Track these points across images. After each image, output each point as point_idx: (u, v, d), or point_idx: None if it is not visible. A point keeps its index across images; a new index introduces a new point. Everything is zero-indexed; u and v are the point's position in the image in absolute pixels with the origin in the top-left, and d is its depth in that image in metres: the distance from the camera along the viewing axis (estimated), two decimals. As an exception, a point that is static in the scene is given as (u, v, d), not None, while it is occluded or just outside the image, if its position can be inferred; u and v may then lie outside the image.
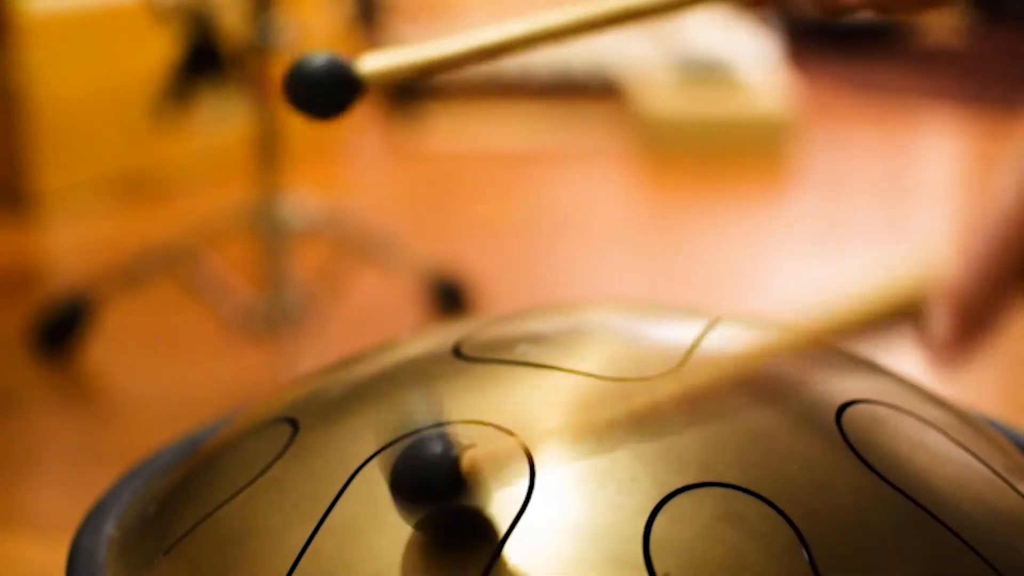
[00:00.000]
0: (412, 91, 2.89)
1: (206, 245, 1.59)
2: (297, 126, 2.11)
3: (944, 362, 0.33)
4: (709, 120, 2.57)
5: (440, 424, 0.39)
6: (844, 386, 0.47)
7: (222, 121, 2.26)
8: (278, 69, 1.60)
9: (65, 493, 1.18)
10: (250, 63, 1.55)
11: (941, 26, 3.90)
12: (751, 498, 0.40)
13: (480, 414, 0.44)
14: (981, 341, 0.33)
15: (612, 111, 2.79)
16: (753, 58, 2.82)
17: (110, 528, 0.48)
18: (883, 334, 0.35)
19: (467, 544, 0.39)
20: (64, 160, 2.10)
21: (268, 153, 1.55)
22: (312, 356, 1.48)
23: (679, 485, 0.40)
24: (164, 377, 1.44)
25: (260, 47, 1.52)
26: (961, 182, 2.61)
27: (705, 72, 2.71)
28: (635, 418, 0.40)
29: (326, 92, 0.51)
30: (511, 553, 0.39)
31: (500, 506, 0.40)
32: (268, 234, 1.52)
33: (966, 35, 3.89)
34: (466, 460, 0.38)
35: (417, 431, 0.39)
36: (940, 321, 0.33)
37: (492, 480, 0.38)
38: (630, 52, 2.93)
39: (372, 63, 0.51)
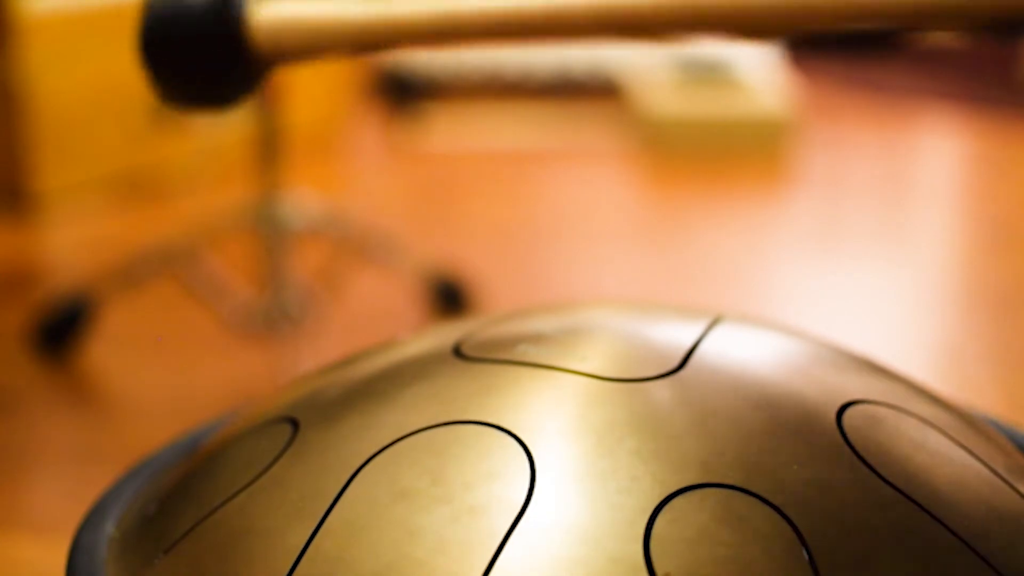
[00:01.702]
0: (412, 91, 2.89)
1: (206, 245, 1.59)
2: (297, 126, 2.11)
3: None
4: (709, 120, 2.57)
5: None
6: (845, 386, 0.47)
7: (222, 121, 2.26)
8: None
9: (65, 493, 1.18)
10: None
11: (941, 26, 3.90)
12: (751, 498, 0.40)
13: (480, 414, 0.44)
14: None
15: (612, 111, 2.79)
16: (753, 58, 2.82)
17: (110, 528, 0.48)
18: None
19: (468, 544, 0.39)
20: (64, 160, 2.10)
21: (268, 153, 1.55)
22: (312, 356, 1.48)
23: (680, 485, 0.40)
24: (164, 377, 1.44)
25: (260, 47, 1.52)
26: (960, 182, 2.61)
27: (705, 72, 2.71)
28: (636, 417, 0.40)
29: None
30: (512, 553, 0.39)
31: (501, 506, 0.40)
32: (268, 234, 1.52)
33: (966, 35, 3.89)
34: None
35: None
36: None
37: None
38: (630, 52, 2.93)
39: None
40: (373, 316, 1.62)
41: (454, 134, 2.70)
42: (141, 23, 0.30)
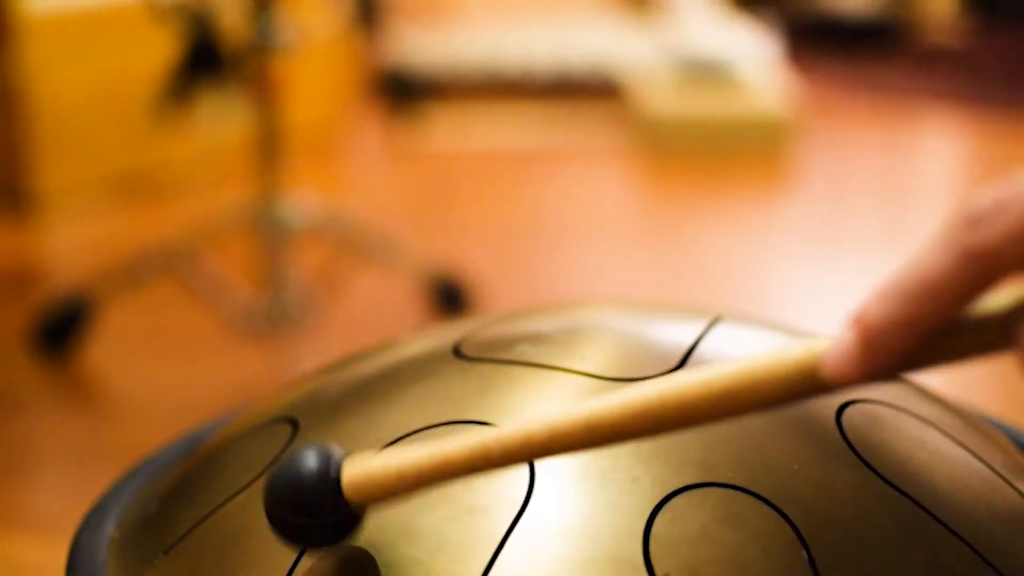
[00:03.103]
0: (412, 91, 2.89)
1: (206, 245, 1.59)
2: (297, 126, 2.11)
3: (838, 376, 0.33)
4: (709, 120, 2.57)
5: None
6: (844, 386, 0.47)
7: (222, 121, 2.26)
8: (278, 69, 1.60)
9: (65, 493, 1.18)
10: (250, 63, 1.55)
11: (941, 26, 3.90)
12: (751, 498, 0.40)
13: (480, 414, 0.44)
14: (882, 369, 0.33)
15: (612, 111, 2.79)
16: (753, 58, 2.82)
17: (110, 528, 0.48)
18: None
19: (468, 543, 0.39)
20: (64, 160, 2.10)
21: (268, 153, 1.55)
22: (312, 356, 1.48)
23: (679, 485, 0.40)
24: (164, 377, 1.44)
25: (260, 47, 1.52)
26: (961, 182, 2.61)
27: (705, 72, 2.71)
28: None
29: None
30: (512, 553, 0.39)
31: (501, 506, 0.40)
32: (268, 234, 1.52)
33: (966, 35, 3.89)
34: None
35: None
36: (843, 335, 0.33)
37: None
38: (630, 52, 2.93)
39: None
40: (373, 316, 1.62)
41: (454, 134, 2.70)
42: (265, 498, 0.40)
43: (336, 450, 0.39)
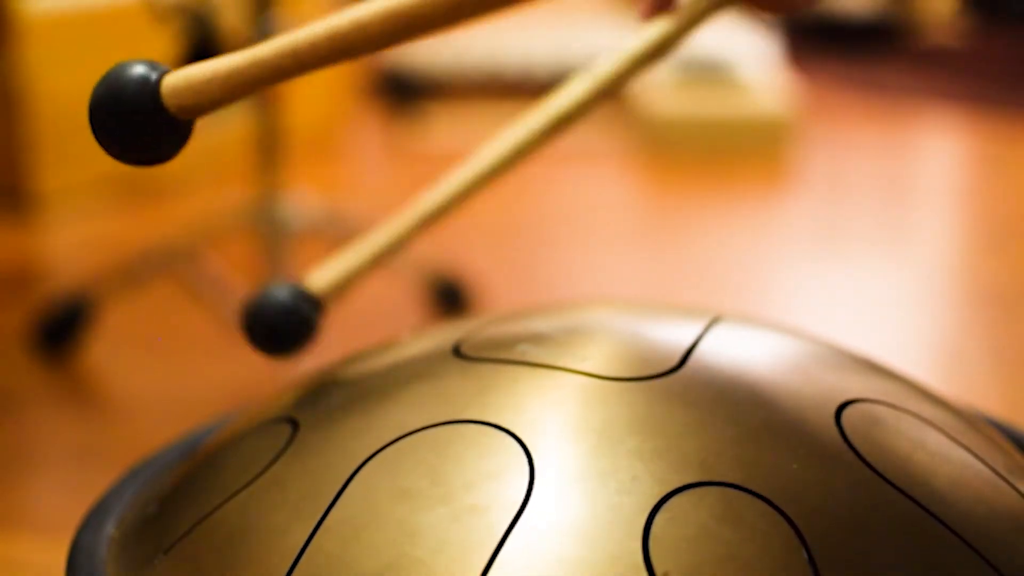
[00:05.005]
0: (412, 91, 2.89)
1: (206, 245, 1.60)
2: (297, 126, 2.11)
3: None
4: (709, 120, 2.57)
5: None
6: (843, 385, 0.47)
7: (222, 121, 2.26)
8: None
9: (65, 493, 1.18)
10: (250, 63, 1.55)
11: (941, 26, 3.91)
12: (751, 497, 0.40)
13: (480, 414, 0.44)
14: None
15: (612, 111, 2.79)
16: (753, 58, 2.82)
17: (110, 528, 0.48)
18: None
19: (467, 543, 0.39)
20: (64, 160, 2.10)
21: (268, 153, 1.55)
22: (312, 356, 1.48)
23: (679, 484, 0.40)
24: (164, 377, 1.44)
25: (260, 47, 1.52)
26: (961, 182, 2.61)
27: (705, 72, 2.71)
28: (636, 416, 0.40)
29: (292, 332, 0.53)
30: (511, 552, 0.39)
31: (501, 506, 0.40)
32: (268, 234, 1.52)
33: (966, 35, 3.89)
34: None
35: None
36: None
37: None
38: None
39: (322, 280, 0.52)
40: (373, 316, 1.62)
41: (454, 134, 2.70)
42: (89, 104, 0.40)
43: (160, 65, 0.40)
